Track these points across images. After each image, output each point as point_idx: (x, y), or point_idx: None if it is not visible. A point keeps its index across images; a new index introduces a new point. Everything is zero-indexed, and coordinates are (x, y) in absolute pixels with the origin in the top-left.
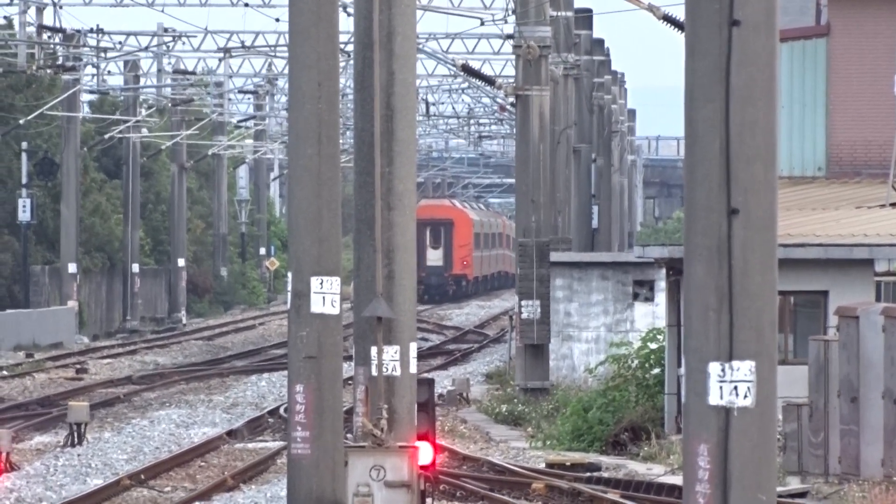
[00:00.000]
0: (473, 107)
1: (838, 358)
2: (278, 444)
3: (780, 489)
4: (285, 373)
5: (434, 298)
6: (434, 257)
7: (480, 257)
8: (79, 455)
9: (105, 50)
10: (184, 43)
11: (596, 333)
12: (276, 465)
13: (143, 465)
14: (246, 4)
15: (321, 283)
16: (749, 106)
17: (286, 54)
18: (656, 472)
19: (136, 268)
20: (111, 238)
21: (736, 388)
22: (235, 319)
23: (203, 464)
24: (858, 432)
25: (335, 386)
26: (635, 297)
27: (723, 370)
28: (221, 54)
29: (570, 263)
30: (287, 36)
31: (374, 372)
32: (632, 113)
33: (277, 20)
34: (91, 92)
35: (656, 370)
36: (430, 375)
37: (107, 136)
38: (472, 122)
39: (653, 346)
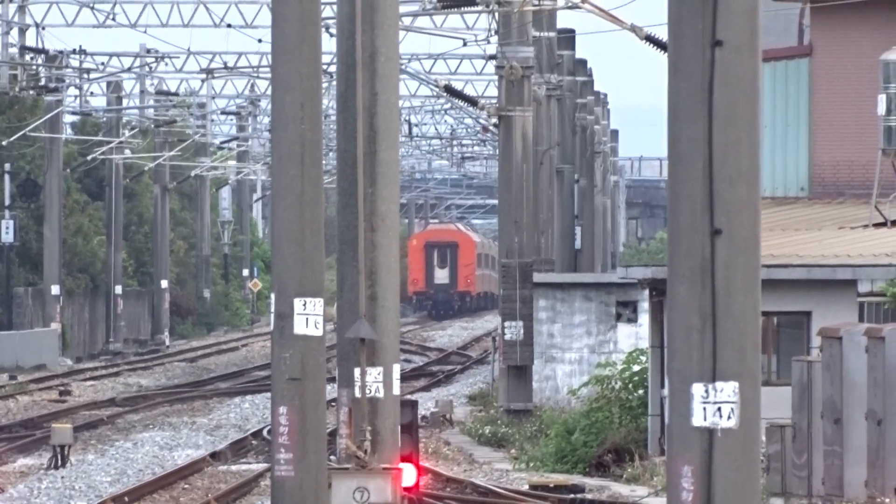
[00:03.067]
0: (456, 128)
1: (821, 379)
2: (262, 466)
3: None
4: (269, 394)
5: (440, 314)
6: (441, 276)
7: (482, 276)
8: (62, 477)
9: (88, 71)
10: (166, 64)
11: (579, 355)
12: (260, 487)
13: (126, 487)
14: (229, 26)
15: (304, 305)
16: (732, 126)
17: (269, 75)
18: (640, 493)
19: (118, 289)
20: (94, 259)
21: (719, 409)
22: (219, 341)
23: (187, 486)
24: (842, 453)
25: (318, 408)
26: (618, 318)
27: (706, 391)
28: (204, 75)
29: (554, 284)
30: (269, 57)
31: (358, 393)
32: (614, 133)
33: (260, 41)
34: (74, 113)
35: (639, 391)
36: (413, 397)
37: (89, 158)
38: (454, 142)
39: (636, 367)
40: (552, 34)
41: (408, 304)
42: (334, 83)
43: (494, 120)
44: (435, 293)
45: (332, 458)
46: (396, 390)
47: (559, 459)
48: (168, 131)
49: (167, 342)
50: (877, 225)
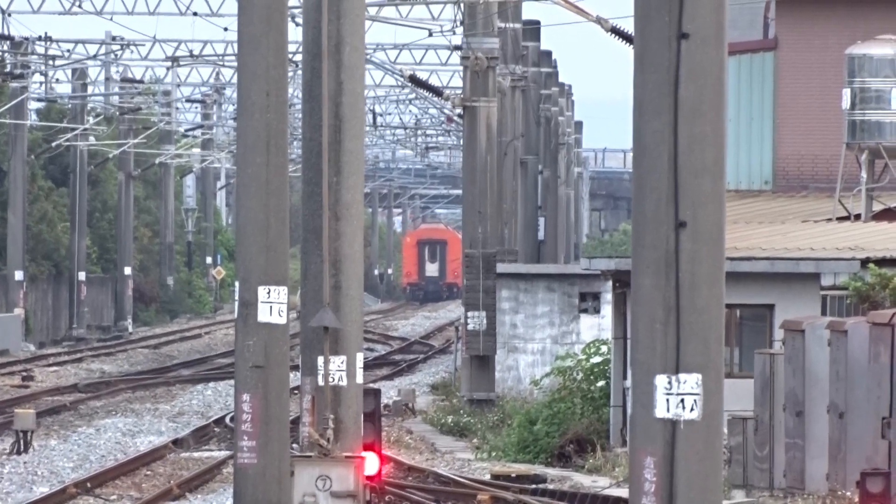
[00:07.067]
0: (421, 118)
1: (784, 372)
2: (224, 453)
3: (725, 502)
4: (231, 382)
5: (431, 301)
6: (431, 269)
7: None
8: (25, 463)
9: (53, 58)
10: (132, 51)
11: (542, 345)
12: (222, 475)
13: (89, 473)
14: (195, 14)
15: (268, 293)
16: (697, 119)
17: (234, 63)
18: (601, 484)
19: (82, 276)
20: (58, 246)
21: (682, 400)
22: (182, 328)
23: (149, 472)
24: (803, 446)
25: (282, 395)
26: (581, 309)
27: (669, 383)
28: (169, 63)
29: (517, 275)
30: (235, 45)
31: (321, 382)
32: (578, 125)
33: (226, 29)
34: (39, 100)
35: (601, 383)
36: (376, 386)
37: (54, 144)
38: (419, 132)
39: (596, 359)
40: (517, 25)
41: (401, 294)
42: (300, 72)
43: (459, 110)
44: (426, 284)
45: (294, 445)
46: (359, 379)
47: (521, 449)
48: (133, 119)
49: (130, 329)
50: (840, 219)
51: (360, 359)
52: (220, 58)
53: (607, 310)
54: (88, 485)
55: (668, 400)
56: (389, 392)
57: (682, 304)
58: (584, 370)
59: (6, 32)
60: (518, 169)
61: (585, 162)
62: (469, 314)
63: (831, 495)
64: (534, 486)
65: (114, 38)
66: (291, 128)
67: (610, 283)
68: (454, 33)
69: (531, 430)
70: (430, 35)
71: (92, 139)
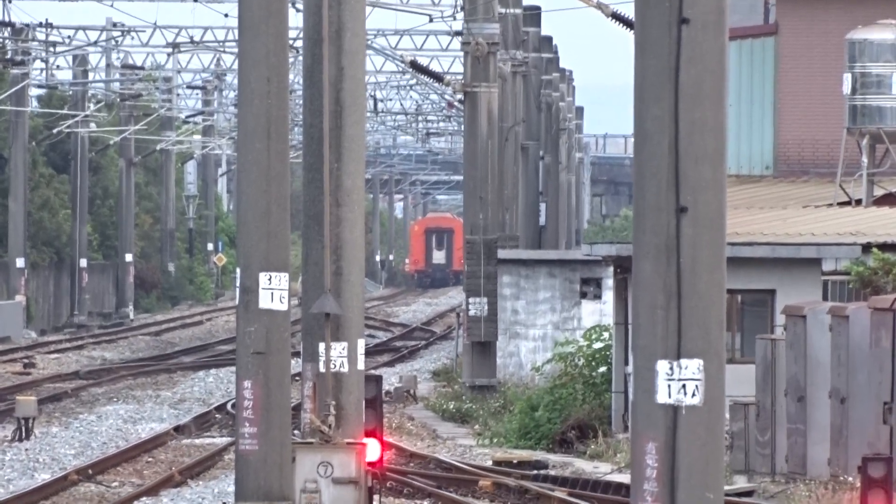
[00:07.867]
0: (421, 103)
1: (785, 357)
2: (226, 439)
3: (727, 488)
4: (232, 368)
5: (438, 288)
6: (438, 257)
7: None
8: (26, 450)
9: (54, 44)
10: (132, 38)
11: (543, 331)
12: (224, 461)
13: (90, 460)
14: (195, 0)
15: (269, 279)
16: (698, 105)
17: (235, 50)
18: (603, 470)
19: (83, 262)
20: (59, 233)
21: (684, 386)
22: (183, 315)
23: (150, 459)
24: (805, 431)
25: (283, 382)
26: (583, 294)
27: (671, 368)
28: (170, 49)
29: (518, 261)
30: (236, 31)
31: (322, 368)
32: (579, 110)
33: (227, 15)
34: (40, 86)
35: (603, 368)
36: (377, 372)
37: (55, 131)
38: (420, 118)
39: (597, 345)
40: (518, 11)
41: (404, 280)
42: (301, 58)
43: (460, 96)
44: (433, 272)
45: (296, 432)
46: (361, 365)
47: (523, 435)
48: (134, 105)
49: (131, 316)
50: (841, 204)
51: (361, 345)
52: (221, 44)
53: (608, 295)
54: (90, 471)
55: (669, 385)
56: (391, 378)
57: (684, 289)
58: (586, 356)
59: (7, 19)
60: (519, 155)
61: (586, 147)
62: (470, 300)
63: (833, 480)
64: (535, 472)
65: (114, 25)
66: (292, 114)
67: (611, 269)
68: (455, 19)
69: (533, 417)
70: (431, 21)
71: (93, 126)
